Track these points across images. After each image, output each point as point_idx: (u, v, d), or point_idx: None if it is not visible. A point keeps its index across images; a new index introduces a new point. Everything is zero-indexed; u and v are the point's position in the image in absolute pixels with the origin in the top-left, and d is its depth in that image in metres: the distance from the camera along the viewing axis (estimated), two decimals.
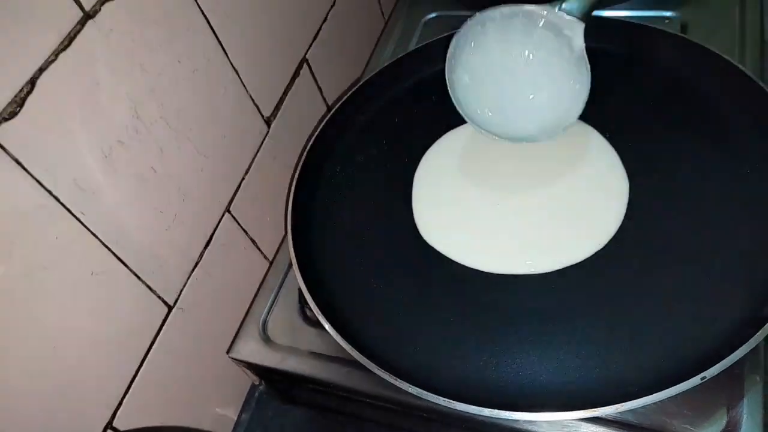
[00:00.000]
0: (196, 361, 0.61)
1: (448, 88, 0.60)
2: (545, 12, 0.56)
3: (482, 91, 0.60)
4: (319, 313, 0.49)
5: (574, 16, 0.55)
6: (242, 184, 0.65)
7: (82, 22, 0.45)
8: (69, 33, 0.45)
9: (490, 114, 0.60)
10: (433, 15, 0.80)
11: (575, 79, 0.56)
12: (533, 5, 0.56)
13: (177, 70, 0.55)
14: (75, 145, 0.46)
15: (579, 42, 0.55)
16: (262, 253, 0.70)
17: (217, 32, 0.59)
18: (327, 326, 0.49)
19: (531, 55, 0.57)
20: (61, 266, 0.46)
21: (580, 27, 0.55)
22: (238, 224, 0.65)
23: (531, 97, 0.58)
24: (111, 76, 0.48)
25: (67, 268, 0.47)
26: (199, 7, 0.56)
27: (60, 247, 0.46)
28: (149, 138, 0.53)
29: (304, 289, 0.51)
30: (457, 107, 0.59)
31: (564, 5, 0.55)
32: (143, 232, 0.53)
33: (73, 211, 0.46)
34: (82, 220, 0.47)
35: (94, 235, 0.49)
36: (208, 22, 0.58)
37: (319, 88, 0.78)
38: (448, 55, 0.60)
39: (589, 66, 0.55)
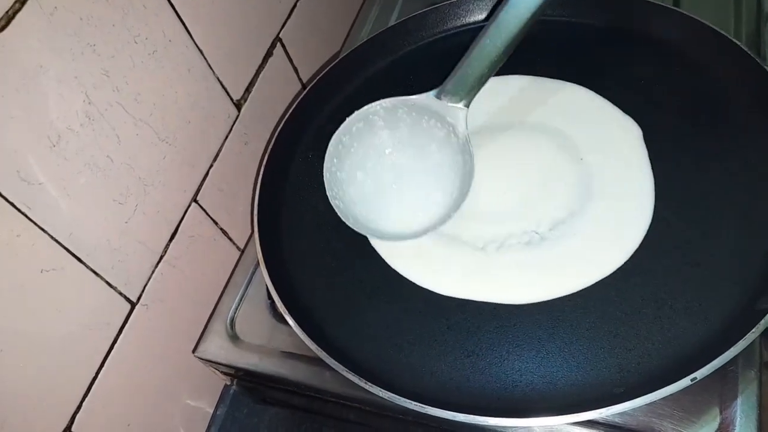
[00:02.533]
0: (163, 360, 0.58)
1: (328, 190, 0.54)
2: (427, 102, 0.54)
3: (375, 188, 0.56)
4: (285, 310, 0.46)
5: (455, 104, 0.53)
6: (210, 172, 0.61)
7: (21, 0, 0.42)
8: (7, 12, 0.41)
9: (383, 213, 0.55)
10: None
11: (462, 169, 0.53)
12: (414, 96, 0.54)
13: (133, 51, 0.51)
14: (16, 134, 0.42)
15: (462, 129, 0.53)
16: (234, 244, 0.66)
17: (178, 10, 0.55)
18: (292, 323, 0.46)
19: (423, 147, 0.55)
20: (6, 265, 0.43)
21: (462, 113, 0.53)
22: (207, 214, 0.62)
23: (426, 192, 0.55)
24: (56, 58, 0.45)
25: (13, 266, 0.43)
26: None
27: (3, 244, 0.43)
28: (104, 125, 0.49)
29: (270, 285, 0.48)
30: (341, 209, 0.54)
31: (444, 93, 0.53)
32: (100, 225, 0.50)
33: (18, 206, 0.43)
34: (29, 214, 0.44)
35: (43, 230, 0.45)
36: None
37: (295, 69, 0.74)
38: (327, 155, 0.55)
39: (473, 153, 0.53)
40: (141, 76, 0.52)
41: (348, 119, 0.55)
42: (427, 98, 0.54)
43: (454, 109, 0.53)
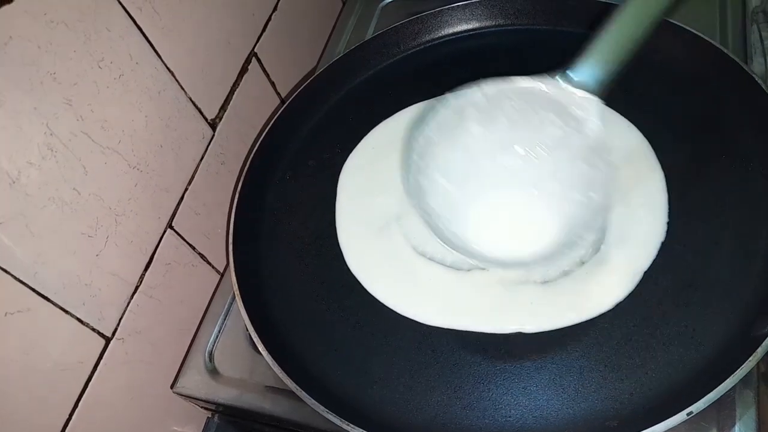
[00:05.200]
0: (142, 394, 0.56)
1: (408, 195, 0.43)
2: (545, 87, 0.41)
3: (465, 200, 0.44)
4: (263, 347, 0.44)
5: (586, 90, 0.41)
6: (185, 196, 0.59)
7: None
8: None
9: (475, 232, 0.44)
10: (389, 0, 0.74)
11: (590, 177, 0.41)
12: (528, 78, 0.42)
13: (98, 77, 0.49)
14: None
15: (595, 124, 0.40)
16: (214, 268, 0.64)
17: (145, 31, 0.53)
18: (269, 360, 0.44)
19: (530, 151, 0.43)
20: None
21: (595, 104, 0.41)
22: (183, 240, 0.60)
23: (534, 209, 0.44)
24: (13, 90, 0.42)
25: None
26: (121, 5, 0.50)
27: None
28: (68, 156, 0.47)
29: (247, 321, 0.46)
30: (425, 221, 0.42)
31: (571, 76, 0.41)
32: (68, 261, 0.48)
33: None
34: None
35: (5, 271, 0.43)
36: (134, 20, 0.52)
37: (272, 83, 0.72)
38: (409, 149, 0.44)
39: (610, 160, 0.41)
40: (107, 103, 0.50)
41: (437, 108, 0.43)
42: (547, 83, 0.41)
43: (586, 99, 0.40)
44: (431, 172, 0.44)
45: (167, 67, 0.56)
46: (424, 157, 0.43)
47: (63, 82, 0.46)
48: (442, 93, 0.59)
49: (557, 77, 0.41)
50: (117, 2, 0.50)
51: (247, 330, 0.49)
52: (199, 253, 0.62)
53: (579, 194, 0.43)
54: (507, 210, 0.46)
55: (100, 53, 0.49)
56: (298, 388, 0.42)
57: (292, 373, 0.43)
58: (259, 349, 0.45)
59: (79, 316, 0.49)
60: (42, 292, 0.46)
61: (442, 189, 0.44)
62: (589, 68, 0.41)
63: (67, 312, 0.48)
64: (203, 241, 0.62)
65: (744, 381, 0.43)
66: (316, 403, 0.41)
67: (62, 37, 0.46)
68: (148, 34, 0.53)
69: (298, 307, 0.50)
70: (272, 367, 0.44)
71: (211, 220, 0.63)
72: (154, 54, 0.54)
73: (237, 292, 0.48)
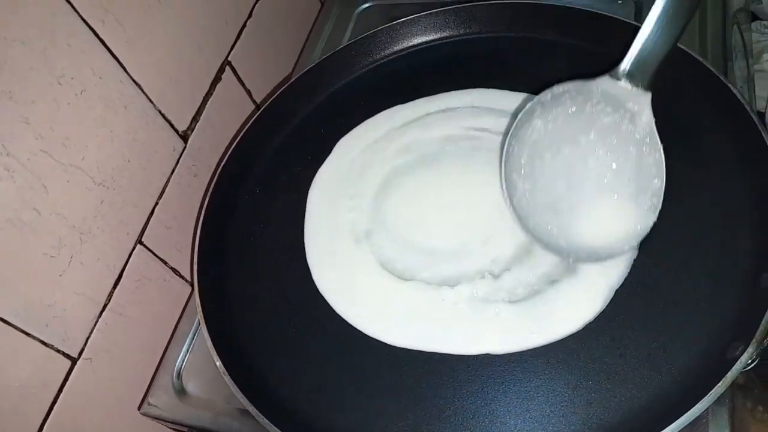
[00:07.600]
0: (112, 414, 0.55)
1: (506, 194, 0.47)
2: (600, 84, 0.45)
3: (540, 197, 0.46)
4: (226, 373, 0.43)
5: (636, 86, 0.44)
6: (155, 210, 0.58)
7: None
8: None
9: (550, 226, 0.46)
10: (366, 6, 0.73)
11: (644, 166, 0.44)
12: (586, 80, 0.46)
13: (58, 94, 0.48)
14: None
15: (646, 116, 0.44)
16: (187, 282, 0.63)
17: (108, 45, 0.52)
18: (233, 387, 0.43)
19: (584, 139, 0.45)
20: None
21: (647, 98, 0.44)
22: (154, 255, 0.59)
23: (593, 195, 0.45)
24: None
25: None
26: (82, 19, 0.49)
27: None
28: (26, 175, 0.46)
29: (211, 346, 0.45)
30: (519, 222, 0.47)
31: (621, 72, 0.45)
32: (29, 282, 0.47)
33: None
34: None
35: None
36: (96, 34, 0.50)
37: (247, 91, 0.70)
38: (503, 156, 0.47)
39: (660, 146, 0.44)
40: (68, 119, 0.49)
41: (519, 116, 0.47)
42: (599, 80, 0.45)
43: (637, 94, 0.44)
44: (508, 172, 0.47)
45: (133, 81, 0.55)
46: (508, 162, 0.47)
47: (19, 101, 0.45)
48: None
49: (609, 75, 0.45)
50: (78, 17, 0.49)
51: None
52: (171, 268, 0.61)
53: (639, 170, 0.45)
54: (577, 195, 0.46)
55: (60, 69, 0.48)
56: (259, 414, 0.41)
57: (255, 397, 0.42)
58: (221, 372, 0.44)
59: (42, 338, 0.48)
60: (1, 316, 0.45)
61: (520, 187, 0.47)
62: (637, 67, 0.44)
63: (28, 335, 0.47)
64: (175, 255, 0.61)
65: (717, 401, 0.42)
66: (278, 430, 0.40)
67: (18, 55, 0.45)
68: (111, 48, 0.52)
69: (265, 326, 0.49)
70: (233, 390, 0.43)
71: (183, 234, 0.62)
72: (119, 67, 0.53)
73: (200, 312, 0.47)
